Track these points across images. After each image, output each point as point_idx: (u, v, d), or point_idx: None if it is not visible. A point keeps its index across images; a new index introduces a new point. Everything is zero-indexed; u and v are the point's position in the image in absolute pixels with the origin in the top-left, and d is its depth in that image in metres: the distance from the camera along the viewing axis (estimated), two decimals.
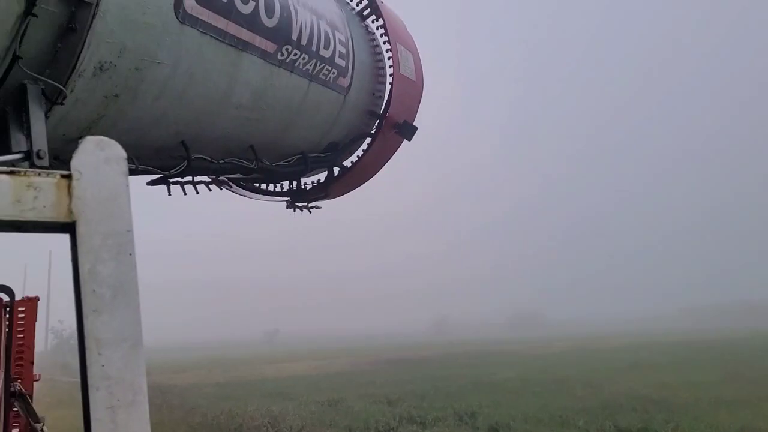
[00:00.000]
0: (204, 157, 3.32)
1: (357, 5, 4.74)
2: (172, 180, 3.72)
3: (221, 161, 3.51)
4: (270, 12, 3.13)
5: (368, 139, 4.73)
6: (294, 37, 3.39)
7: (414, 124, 4.69)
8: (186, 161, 3.19)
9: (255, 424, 15.27)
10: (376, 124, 4.70)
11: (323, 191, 4.79)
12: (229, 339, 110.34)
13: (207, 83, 2.89)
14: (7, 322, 5.06)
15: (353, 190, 5.06)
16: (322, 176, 4.87)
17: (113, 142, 1.08)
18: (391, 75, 4.62)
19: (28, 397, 5.59)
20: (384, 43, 4.69)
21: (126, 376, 1.05)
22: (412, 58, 4.74)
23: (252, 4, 2.98)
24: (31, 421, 5.53)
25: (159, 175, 3.30)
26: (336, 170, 4.79)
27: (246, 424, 15.39)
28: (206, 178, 4.34)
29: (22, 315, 6.54)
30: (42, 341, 70.33)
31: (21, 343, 6.49)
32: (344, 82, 4.16)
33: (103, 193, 1.06)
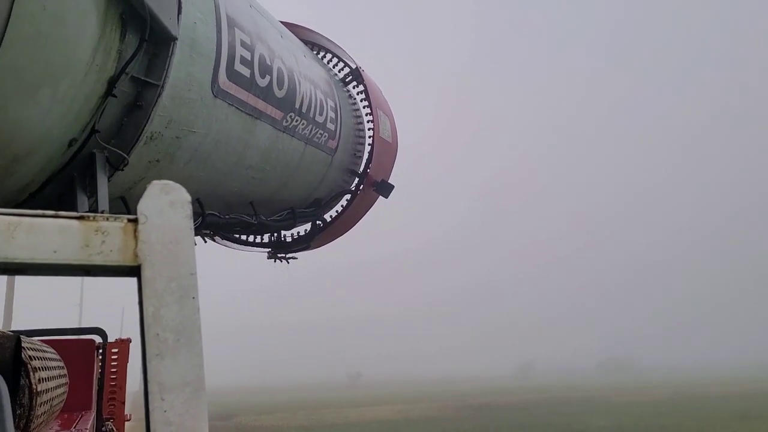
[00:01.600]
0: (214, 213, 3.64)
1: (339, 71, 5.21)
2: None
3: (227, 216, 3.83)
4: (281, 84, 3.52)
5: (348, 196, 5.09)
6: (297, 105, 3.80)
7: (390, 182, 5.11)
8: (201, 218, 3.47)
9: None
10: (356, 182, 5.12)
11: (306, 243, 5.12)
12: (313, 381, 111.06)
13: (228, 148, 3.21)
14: (99, 363, 5.25)
15: (332, 241, 5.37)
16: (301, 229, 5.17)
17: (178, 186, 1.10)
18: (370, 137, 5.05)
19: None
20: (364, 107, 5.13)
21: (188, 421, 1.03)
22: (389, 122, 5.20)
23: (268, 78, 3.34)
24: None
25: None
26: (319, 223, 5.15)
27: None
28: None
29: (115, 356, 6.80)
30: (138, 382, 73.24)
31: (114, 383, 6.72)
32: (332, 144, 4.55)
33: (168, 237, 1.07)
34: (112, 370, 6.69)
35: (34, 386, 1.63)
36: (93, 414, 4.36)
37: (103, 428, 5.35)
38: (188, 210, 1.11)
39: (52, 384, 1.86)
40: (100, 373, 5.20)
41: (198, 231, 3.98)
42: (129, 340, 7.00)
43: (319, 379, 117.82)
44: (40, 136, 2.09)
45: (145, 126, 2.49)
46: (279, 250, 5.19)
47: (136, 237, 1.05)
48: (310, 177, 4.48)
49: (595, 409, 35.79)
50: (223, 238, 5.01)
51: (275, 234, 5.09)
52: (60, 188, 2.35)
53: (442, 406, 42.04)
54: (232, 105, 3.06)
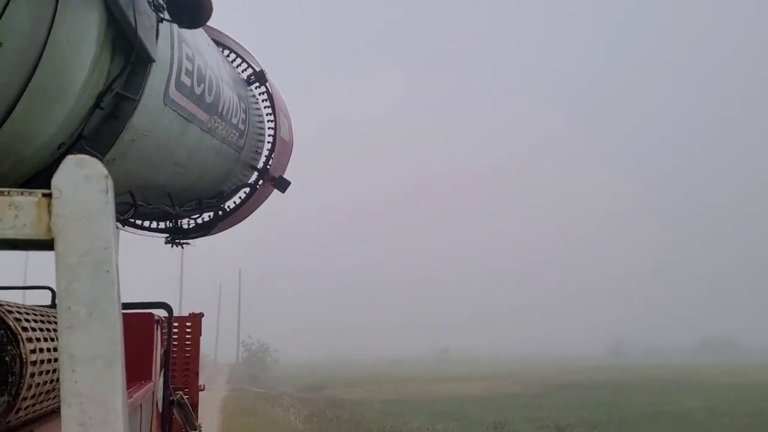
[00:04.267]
0: (142, 204, 4.00)
1: (242, 72, 5.59)
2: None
3: (151, 206, 4.22)
4: (210, 91, 4.02)
5: (247, 189, 5.56)
6: (220, 109, 4.28)
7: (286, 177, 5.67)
8: (133, 208, 3.88)
9: None
10: (255, 177, 5.58)
11: (207, 230, 5.57)
12: (402, 355, 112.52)
13: (166, 148, 3.65)
14: (165, 336, 5.50)
15: (228, 229, 5.92)
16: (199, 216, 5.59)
17: (94, 160, 1.10)
18: (270, 136, 5.52)
19: (188, 406, 6.00)
20: (265, 107, 5.59)
21: (98, 394, 1.04)
22: (287, 123, 5.75)
23: (202, 86, 3.85)
24: (188, 429, 5.94)
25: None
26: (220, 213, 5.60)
27: None
28: None
29: (189, 330, 7.09)
30: (234, 354, 76.92)
31: (188, 355, 7.02)
32: (241, 142, 4.98)
33: (82, 211, 1.07)
34: (186, 342, 7.01)
35: (24, 356, 1.69)
36: (152, 384, 4.56)
37: (171, 397, 5.59)
38: (104, 184, 1.11)
39: (55, 355, 1.93)
40: (166, 345, 5.44)
41: (127, 220, 4.48)
42: (201, 315, 7.30)
43: (406, 353, 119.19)
44: (44, 142, 2.48)
45: (121, 134, 2.90)
46: (177, 236, 5.63)
47: (49, 211, 1.07)
48: (220, 172, 4.97)
49: (689, 389, 34.26)
50: (124, 224, 5.43)
51: (174, 221, 5.49)
52: (41, 184, 2.62)
53: (528, 383, 41.53)
54: (175, 111, 3.51)
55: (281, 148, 5.60)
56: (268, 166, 5.63)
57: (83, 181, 1.10)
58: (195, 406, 6.47)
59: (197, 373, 7.00)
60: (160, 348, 5.19)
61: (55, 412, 2.19)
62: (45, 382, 1.87)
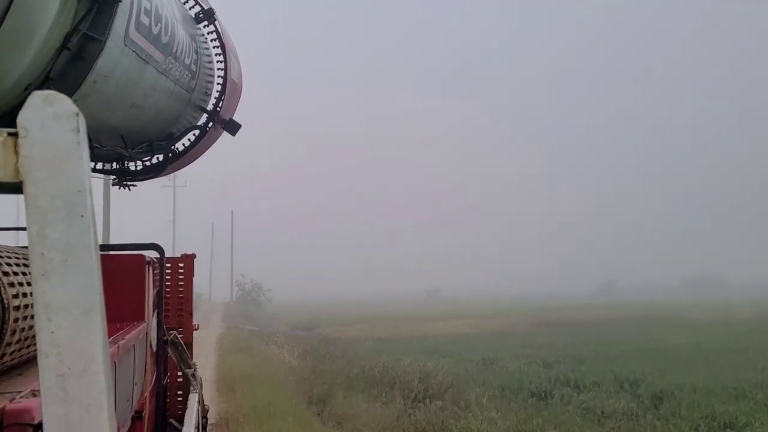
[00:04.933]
0: (97, 145, 3.97)
1: (190, 9, 5.37)
2: None
3: (105, 148, 4.17)
4: (166, 31, 3.99)
5: (197, 131, 5.48)
6: (174, 50, 4.23)
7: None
8: (90, 150, 3.90)
9: (407, 379, 15.63)
10: (205, 119, 5.49)
11: (157, 172, 5.51)
12: (394, 296, 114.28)
13: (124, 89, 3.64)
14: (157, 277, 5.49)
15: (176, 171, 5.97)
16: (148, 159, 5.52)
17: (63, 96, 1.02)
18: (219, 77, 5.40)
19: (182, 345, 6.05)
20: (214, 47, 5.44)
21: (77, 343, 1.00)
22: (237, 65, 5.64)
23: (159, 26, 3.82)
24: (183, 367, 6.02)
25: None
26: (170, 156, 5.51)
27: (399, 378, 15.82)
28: None
29: (182, 271, 7.10)
30: (228, 293, 77.96)
31: (181, 296, 7.06)
32: (192, 83, 4.90)
33: (51, 151, 1.00)
34: (179, 283, 7.04)
35: (6, 301, 1.65)
36: (145, 324, 4.58)
37: (165, 337, 5.64)
38: (74, 122, 1.03)
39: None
40: (158, 286, 5.44)
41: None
42: (194, 256, 7.31)
43: (398, 293, 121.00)
44: (12, 84, 2.47)
45: (86, 76, 2.89)
46: (126, 177, 5.60)
47: (16, 152, 1.00)
48: (172, 114, 4.96)
49: (676, 327, 35.08)
50: None
51: (121, 163, 5.46)
52: (3, 125, 2.59)
53: (518, 322, 42.38)
54: (134, 52, 3.49)
55: (231, 90, 5.51)
56: (218, 109, 5.54)
57: (52, 120, 1.02)
58: (189, 345, 6.54)
59: (191, 313, 7.06)
60: (152, 289, 5.19)
61: None
62: (30, 327, 1.84)
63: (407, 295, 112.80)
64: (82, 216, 1.01)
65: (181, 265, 7.00)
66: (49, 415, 0.99)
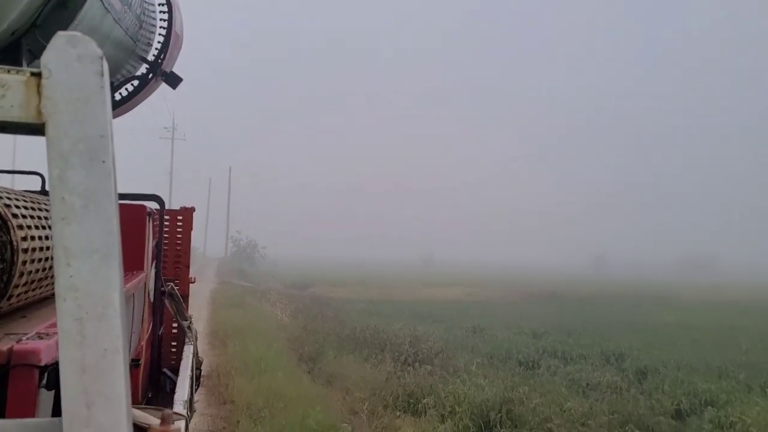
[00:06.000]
0: None
1: None
2: None
3: None
4: None
5: (136, 82, 5.41)
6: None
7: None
8: None
9: (398, 342, 15.83)
10: (146, 70, 5.40)
11: None
12: (389, 260, 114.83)
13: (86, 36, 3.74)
14: (156, 228, 5.49)
15: (115, 119, 5.84)
16: None
17: (87, 38, 1.00)
18: (162, 28, 5.32)
19: (179, 297, 6.09)
20: None
21: (95, 288, 1.00)
22: (179, 15, 5.59)
23: None
24: (179, 319, 6.08)
25: None
26: None
27: (390, 341, 16.00)
28: None
29: (180, 223, 7.11)
30: (223, 249, 78.21)
31: (179, 248, 7.08)
32: (138, 33, 4.91)
33: (75, 94, 0.98)
34: (178, 236, 7.05)
35: (15, 243, 1.65)
36: (144, 274, 4.60)
37: (163, 287, 5.67)
38: (98, 66, 1.02)
39: (48, 243, 1.89)
40: (158, 237, 5.45)
41: None
42: (193, 209, 7.31)
43: (393, 258, 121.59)
44: (2, 31, 2.50)
45: (69, 25, 2.90)
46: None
47: (39, 92, 0.98)
48: (118, 63, 4.96)
49: (665, 305, 35.43)
50: None
51: None
52: None
53: (510, 291, 42.74)
54: (101, 2, 3.54)
55: (174, 42, 5.44)
56: (161, 60, 5.43)
57: (76, 61, 1.00)
58: (186, 298, 6.59)
59: (188, 266, 7.09)
60: (151, 240, 5.20)
61: (47, 299, 2.18)
62: (37, 270, 1.84)
63: (402, 261, 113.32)
64: (103, 162, 1.01)
65: (180, 217, 7.00)
66: (66, 357, 0.99)
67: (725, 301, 40.51)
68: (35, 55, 2.89)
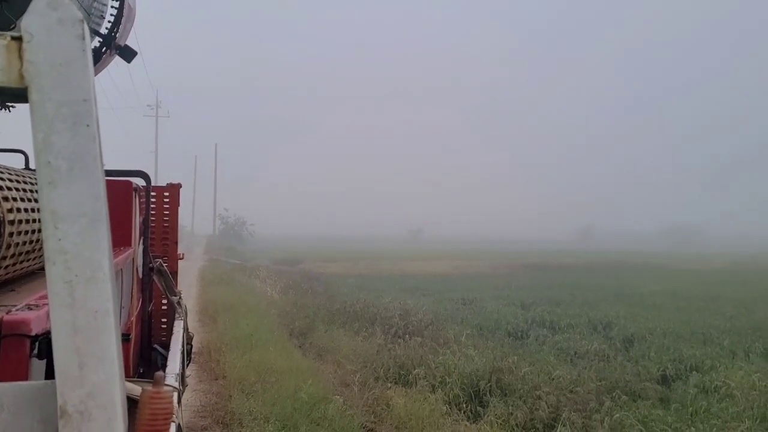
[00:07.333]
0: None
1: None
2: None
3: None
4: None
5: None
6: None
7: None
8: None
9: (388, 315, 15.94)
10: (99, 43, 5.28)
11: None
12: (377, 234, 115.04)
13: None
14: (143, 205, 5.47)
15: None
16: None
17: (68, 1, 0.99)
18: (114, 0, 5.19)
19: (168, 273, 6.09)
20: None
21: (84, 251, 1.01)
22: None
23: None
24: (168, 295, 6.08)
25: None
26: None
27: (380, 314, 16.11)
28: None
29: (167, 200, 7.07)
30: (211, 226, 77.96)
31: (166, 224, 7.05)
32: (91, 7, 4.78)
33: (57, 58, 0.98)
34: (165, 212, 7.02)
35: (1, 215, 1.66)
36: (132, 250, 4.59)
37: (151, 264, 5.65)
38: (80, 29, 1.01)
39: (34, 215, 1.89)
40: (144, 213, 5.42)
41: None
42: (179, 185, 7.26)
43: (381, 233, 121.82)
44: None
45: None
46: (9, 98, 5.86)
47: (21, 56, 0.98)
48: None
49: (652, 274, 35.91)
50: None
51: None
52: None
53: (498, 264, 43.06)
54: None
55: (128, 14, 5.30)
56: (114, 33, 5.27)
57: (57, 25, 1.00)
58: (174, 274, 6.58)
59: (176, 243, 7.07)
60: (138, 216, 5.17)
61: (35, 273, 2.19)
62: (24, 242, 1.84)
63: (390, 235, 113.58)
64: (87, 125, 1.01)
65: (167, 194, 6.96)
66: (57, 320, 1.01)
67: (709, 270, 41.12)
68: (2, 27, 2.83)
